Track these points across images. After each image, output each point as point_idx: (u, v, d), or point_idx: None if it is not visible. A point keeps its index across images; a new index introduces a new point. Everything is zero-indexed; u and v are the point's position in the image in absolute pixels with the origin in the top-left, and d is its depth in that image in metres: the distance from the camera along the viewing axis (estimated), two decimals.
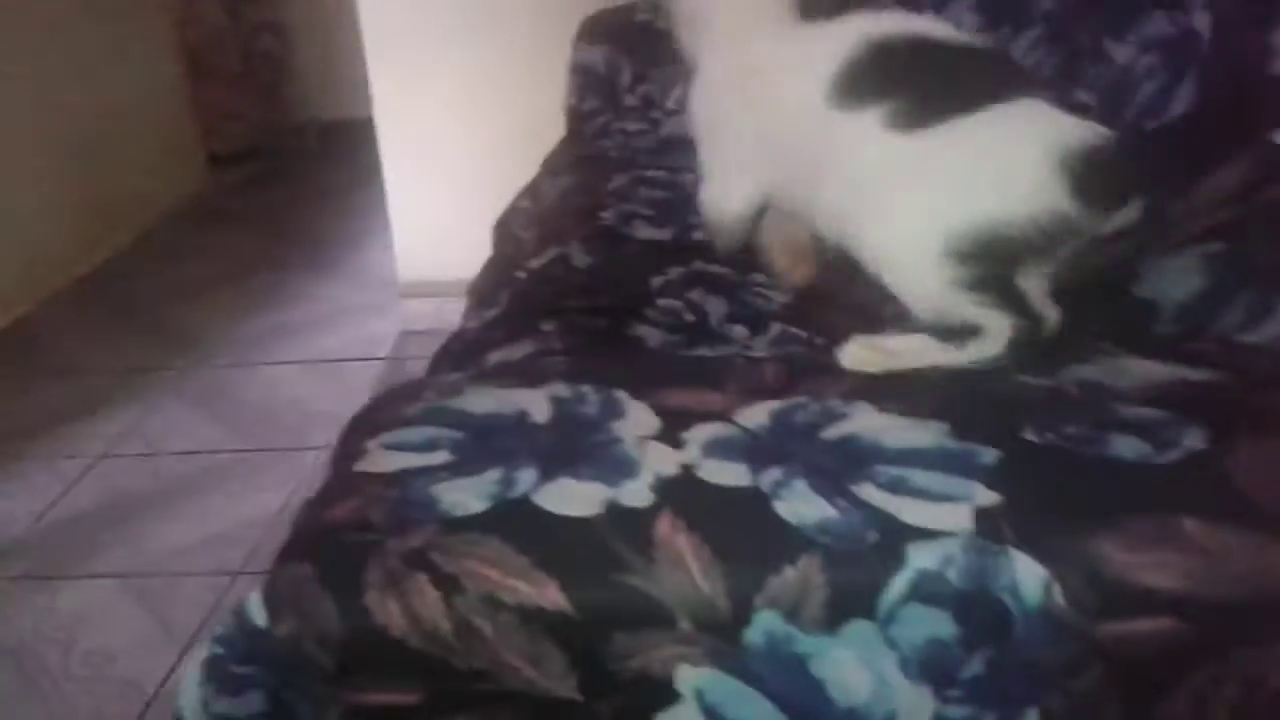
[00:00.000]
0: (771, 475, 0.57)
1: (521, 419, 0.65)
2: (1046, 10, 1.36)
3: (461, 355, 1.21)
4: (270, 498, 1.94)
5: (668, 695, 0.53)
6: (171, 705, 1.39)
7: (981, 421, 0.61)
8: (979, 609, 0.51)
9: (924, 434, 0.59)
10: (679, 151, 1.81)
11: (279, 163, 4.00)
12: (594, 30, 2.20)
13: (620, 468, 0.59)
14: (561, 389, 0.68)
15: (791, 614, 0.52)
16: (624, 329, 1.18)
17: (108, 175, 3.10)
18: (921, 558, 0.52)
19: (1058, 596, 0.51)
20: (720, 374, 0.70)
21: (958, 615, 0.51)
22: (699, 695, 0.53)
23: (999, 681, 0.51)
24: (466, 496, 0.58)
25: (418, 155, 2.61)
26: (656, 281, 1.29)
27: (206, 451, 2.12)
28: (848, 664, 0.52)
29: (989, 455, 0.57)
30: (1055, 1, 1.34)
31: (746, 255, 1.35)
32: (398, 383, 0.85)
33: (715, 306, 1.23)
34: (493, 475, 0.59)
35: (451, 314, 2.55)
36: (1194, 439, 0.57)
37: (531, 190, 1.90)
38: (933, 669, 0.51)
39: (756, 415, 0.63)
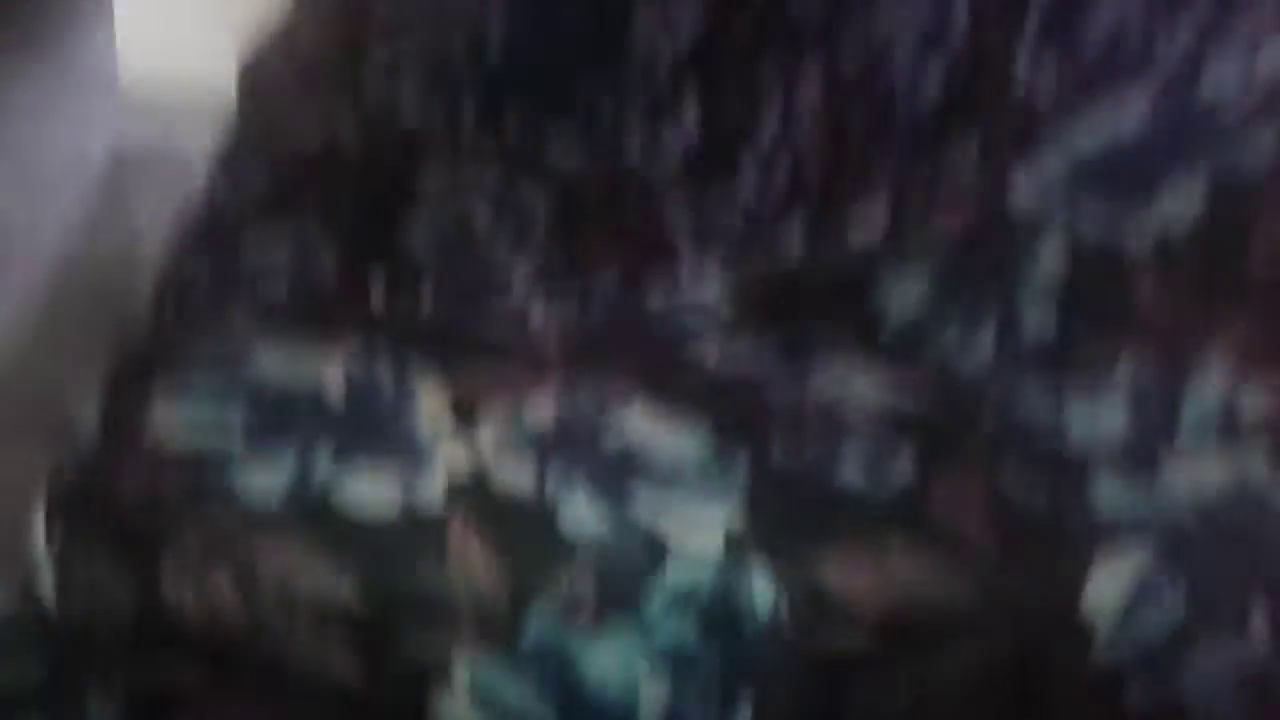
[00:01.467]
0: (555, 482, 0.63)
1: (315, 393, 0.67)
2: None
3: (212, 233, 1.18)
4: None
5: (443, 680, 0.59)
6: None
7: (738, 428, 0.69)
8: (720, 620, 0.60)
9: (688, 444, 0.67)
10: (444, 14, 1.76)
11: None
12: None
13: (415, 458, 0.63)
14: (355, 359, 0.70)
15: (565, 615, 0.60)
16: (390, 225, 1.18)
17: None
18: (679, 572, 0.61)
19: (782, 611, 0.61)
20: (510, 349, 0.74)
21: (703, 625, 0.60)
22: (472, 681, 0.59)
23: (726, 680, 0.61)
24: (265, 483, 0.60)
25: None
26: (424, 174, 1.29)
27: None
28: (607, 660, 0.60)
29: (741, 470, 0.66)
30: None
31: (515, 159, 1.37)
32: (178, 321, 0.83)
33: (481, 210, 1.25)
34: (289, 458, 0.62)
35: (180, 133, 2.39)
36: (904, 467, 0.68)
37: (287, 31, 1.79)
38: (675, 666, 0.61)
39: (541, 411, 0.68)
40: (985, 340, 0.81)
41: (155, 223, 2.17)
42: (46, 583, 0.58)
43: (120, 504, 0.60)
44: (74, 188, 2.24)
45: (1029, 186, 0.80)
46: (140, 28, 2.43)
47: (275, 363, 0.70)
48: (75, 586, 0.57)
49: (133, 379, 0.70)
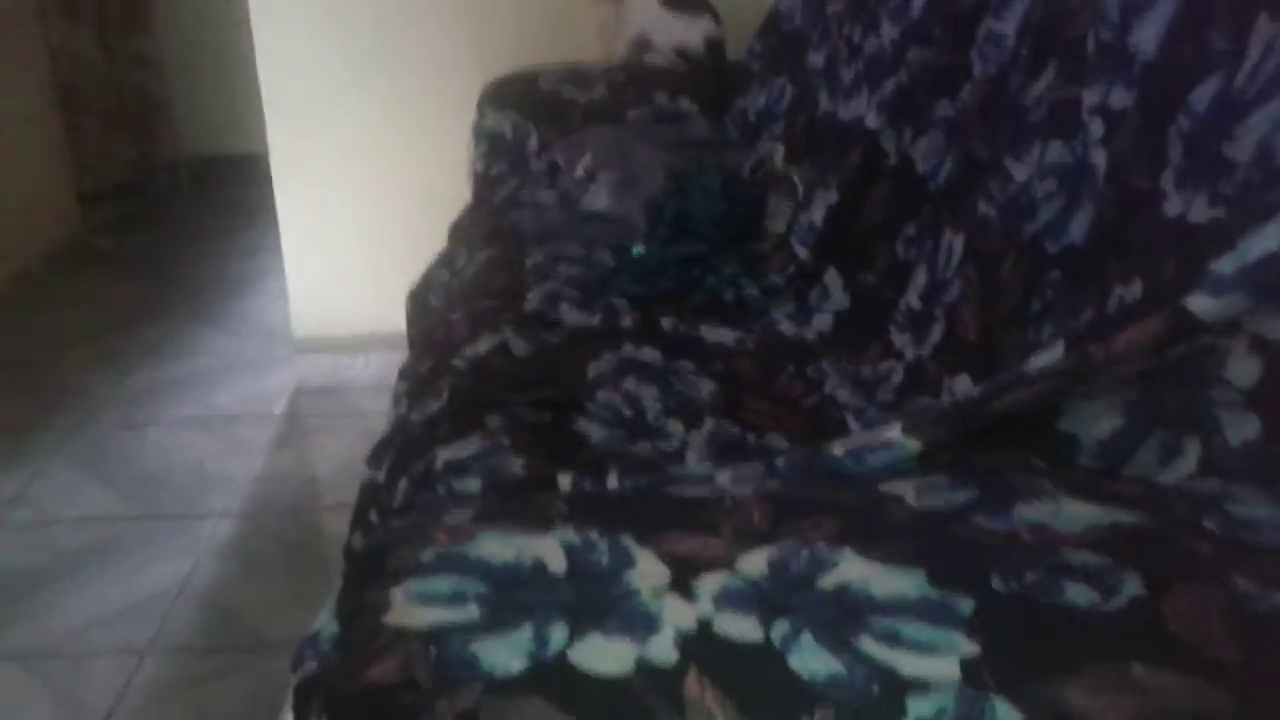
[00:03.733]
0: (780, 629, 0.64)
1: (540, 570, 0.70)
2: (946, 117, 1.48)
3: (406, 450, 1.26)
4: (170, 569, 1.93)
5: None
6: None
7: (954, 568, 0.69)
8: None
9: (907, 582, 0.67)
10: (591, 225, 1.88)
11: (151, 201, 3.90)
12: (500, 95, 2.26)
13: (643, 622, 0.65)
14: (570, 534, 0.73)
15: None
16: (567, 424, 1.24)
17: None
18: (919, 708, 0.60)
19: None
20: (711, 516, 0.76)
21: None
22: None
23: None
24: (505, 655, 0.63)
25: (313, 204, 2.61)
26: (592, 371, 1.35)
27: (99, 519, 2.08)
28: None
29: (966, 606, 0.65)
30: (955, 110, 1.46)
31: (671, 344, 1.44)
32: (399, 523, 0.89)
33: (648, 396, 1.30)
34: (526, 632, 0.64)
35: (347, 371, 2.58)
36: (1133, 585, 0.66)
37: (446, 262, 1.94)
38: None
39: (756, 564, 0.70)
40: (1189, 453, 0.80)
41: (329, 448, 2.32)
42: None
43: (376, 686, 0.63)
44: (256, 426, 2.41)
45: (1206, 302, 0.80)
46: (309, 282, 2.65)
47: (496, 544, 0.74)
48: None
49: (366, 577, 0.75)
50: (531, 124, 2.22)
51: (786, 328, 1.55)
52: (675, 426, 1.24)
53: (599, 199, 1.92)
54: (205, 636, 1.75)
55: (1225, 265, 0.79)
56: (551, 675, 0.62)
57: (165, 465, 2.26)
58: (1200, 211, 0.98)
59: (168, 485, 2.19)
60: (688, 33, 2.28)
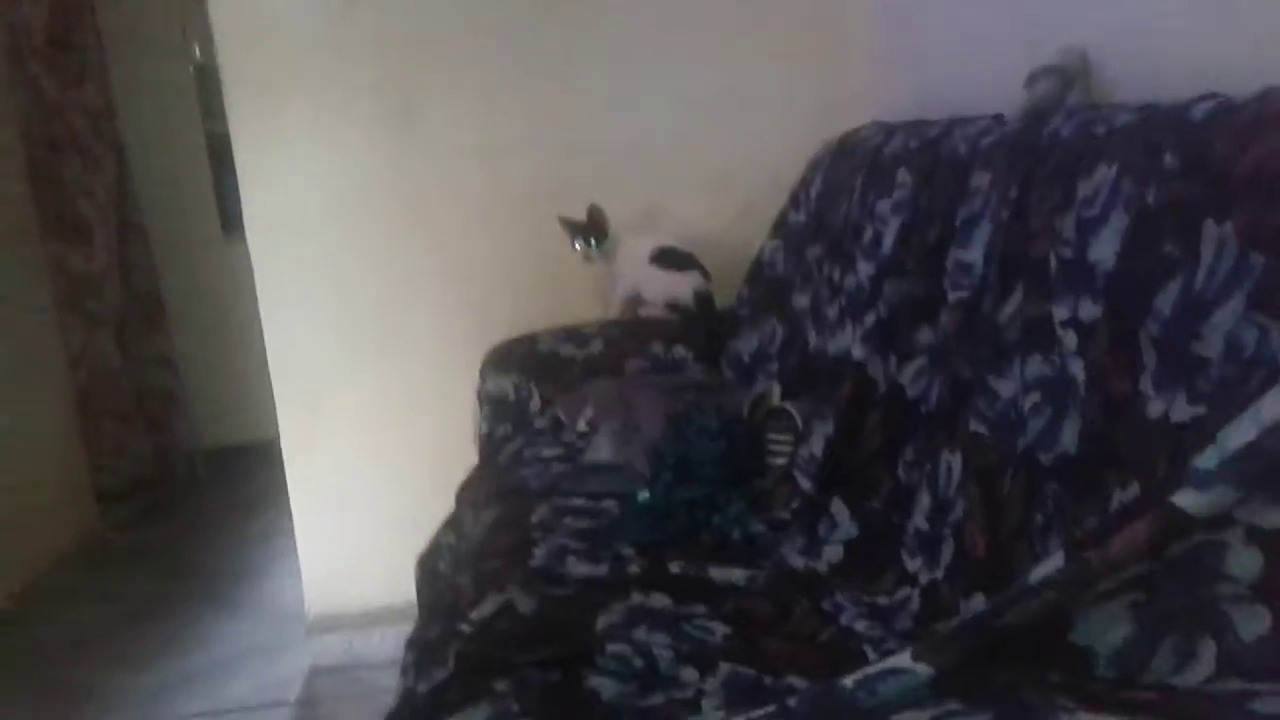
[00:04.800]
0: None
1: None
2: (928, 343, 1.52)
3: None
4: None
5: None
6: None
7: None
8: None
9: None
10: (596, 477, 1.89)
11: (168, 493, 3.95)
12: (500, 360, 2.33)
13: None
14: None
15: None
16: (578, 682, 1.21)
17: None
18: None
19: None
20: None
21: None
22: None
23: None
24: None
25: (323, 482, 2.63)
26: (601, 623, 1.33)
27: None
28: None
29: None
30: (936, 335, 1.50)
31: (681, 588, 1.41)
32: None
33: (660, 644, 1.27)
34: None
35: (363, 648, 2.53)
36: None
37: (453, 525, 1.94)
38: None
39: None
40: (1204, 655, 0.77)
41: None
42: None
43: None
44: (270, 713, 2.34)
45: (1193, 498, 0.80)
46: (322, 560, 2.64)
47: None
48: None
49: None
50: (533, 383, 2.27)
51: (797, 561, 1.53)
52: (689, 674, 1.21)
53: (602, 450, 1.94)
54: None
55: (1207, 460, 0.79)
56: None
57: None
58: (1182, 410, 0.99)
59: None
60: (678, 287, 2.37)
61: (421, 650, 1.40)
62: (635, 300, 2.46)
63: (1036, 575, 0.84)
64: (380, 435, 2.61)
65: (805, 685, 1.13)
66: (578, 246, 2.39)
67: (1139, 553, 0.79)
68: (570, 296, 2.56)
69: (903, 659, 0.84)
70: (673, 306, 2.39)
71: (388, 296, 2.56)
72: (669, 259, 2.38)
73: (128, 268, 3.91)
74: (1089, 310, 1.15)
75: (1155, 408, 1.02)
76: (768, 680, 1.19)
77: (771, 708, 0.91)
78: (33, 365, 3.36)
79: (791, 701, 0.90)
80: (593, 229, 2.38)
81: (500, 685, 1.19)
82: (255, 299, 2.52)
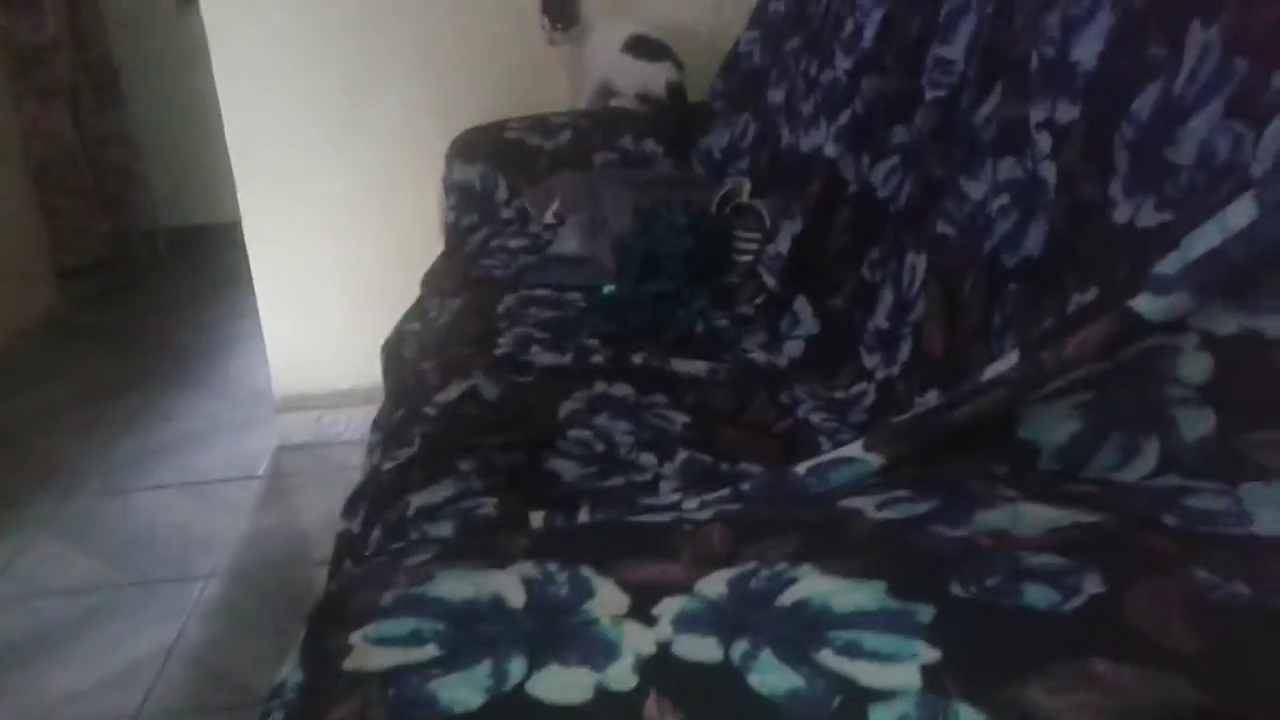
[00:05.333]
0: (740, 647, 0.64)
1: (499, 605, 0.70)
2: (902, 142, 1.50)
3: (379, 499, 1.25)
4: (159, 632, 1.92)
5: None
6: None
7: (914, 577, 0.69)
8: None
9: (866, 594, 0.67)
10: (562, 269, 1.89)
11: (130, 273, 3.92)
12: (467, 147, 2.28)
13: (602, 650, 0.65)
14: (529, 568, 0.73)
15: None
16: (540, 463, 1.24)
17: None
18: (881, 717, 0.60)
19: None
20: (671, 542, 0.76)
21: None
22: None
23: None
24: (463, 691, 0.62)
25: (288, 266, 2.61)
26: (564, 410, 1.35)
27: (87, 588, 2.07)
28: None
29: (926, 613, 0.65)
30: (910, 135, 1.47)
31: (643, 378, 1.44)
32: (361, 568, 0.88)
33: (621, 431, 1.30)
34: (484, 668, 0.64)
35: (329, 427, 2.57)
36: (1093, 583, 0.66)
37: (418, 312, 1.94)
38: None
39: (715, 585, 0.70)
40: (1148, 451, 0.80)
41: (312, 505, 2.31)
42: None
43: None
44: (239, 487, 2.40)
45: (1151, 302, 0.81)
46: (287, 341, 2.65)
47: (456, 582, 0.73)
48: None
49: (327, 624, 0.74)
50: (499, 173, 2.24)
51: (758, 356, 1.55)
52: (648, 459, 1.24)
53: (568, 242, 1.93)
54: (195, 699, 1.74)
55: (1168, 265, 0.79)
56: (510, 708, 0.62)
57: (151, 531, 2.25)
58: (1148, 216, 0.99)
59: (154, 551, 2.18)
60: (650, 78, 2.30)
61: (387, 431, 1.42)
62: (606, 90, 2.39)
63: (990, 373, 0.86)
64: (344, 220, 2.58)
65: (760, 472, 1.16)
66: (543, 27, 2.30)
67: (1092, 354, 0.80)
68: (540, 84, 2.49)
69: (855, 449, 0.87)
70: (643, 98, 2.33)
71: (353, 77, 2.48)
72: (642, 48, 2.30)
73: (80, 38, 3.74)
74: (1066, 112, 1.13)
75: (1122, 213, 1.02)
76: (724, 467, 1.23)
77: (725, 491, 0.94)
78: None
79: (745, 486, 0.93)
80: (562, 11, 2.28)
81: (464, 465, 1.22)
82: (212, 74, 2.43)
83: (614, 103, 2.40)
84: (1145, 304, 0.79)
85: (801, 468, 0.90)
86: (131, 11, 4.03)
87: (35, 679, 1.80)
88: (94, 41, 3.81)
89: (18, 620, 1.96)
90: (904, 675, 0.61)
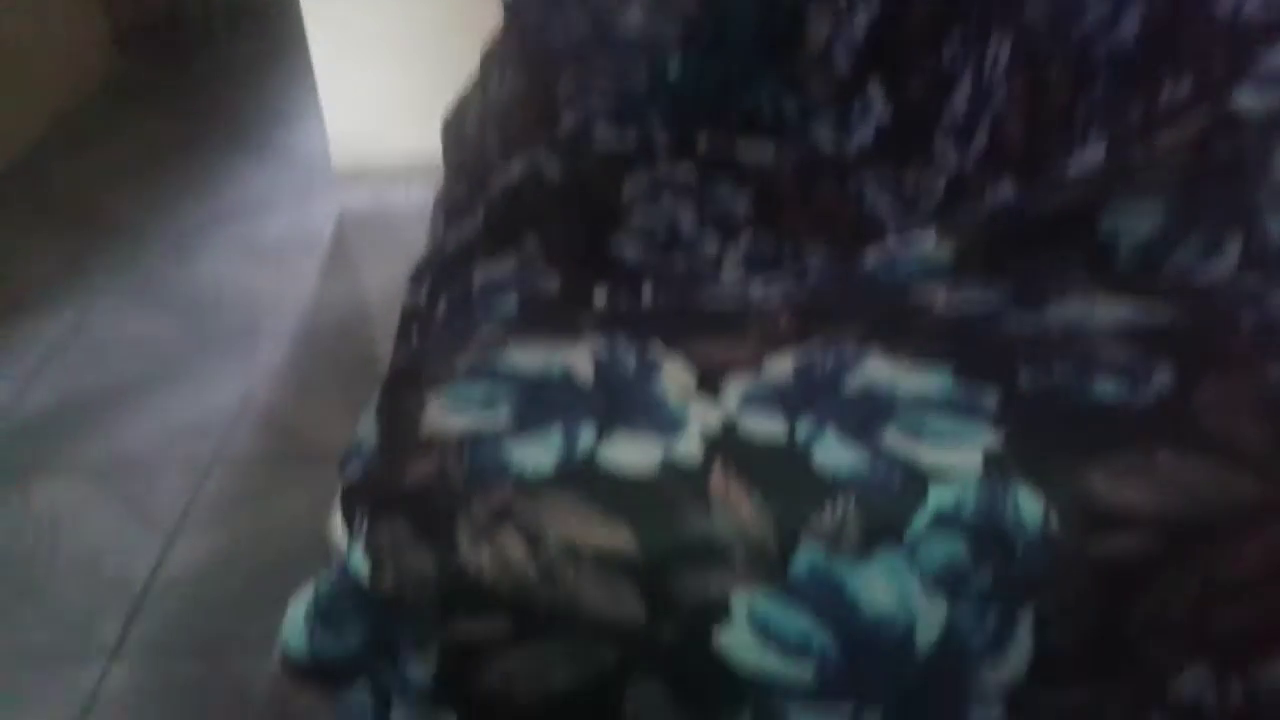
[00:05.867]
0: (805, 426, 0.65)
1: (568, 377, 0.71)
2: None
3: (445, 271, 1.26)
4: (230, 386, 1.99)
5: (723, 616, 0.62)
6: (160, 601, 1.46)
7: (981, 364, 0.69)
8: (988, 535, 0.61)
9: (932, 379, 0.68)
10: (624, 45, 1.83)
11: (187, 35, 3.84)
12: None
13: (669, 423, 0.67)
14: (599, 343, 0.74)
15: (830, 546, 0.61)
16: (603, 241, 1.24)
17: (10, 59, 2.95)
18: (940, 496, 0.61)
19: (1053, 523, 0.61)
20: (740, 324, 0.77)
21: (970, 541, 0.61)
22: (750, 614, 0.62)
23: (1001, 591, 0.61)
24: (535, 455, 0.65)
25: (345, 37, 2.55)
26: (627, 191, 1.34)
27: (157, 344, 2.13)
28: (877, 584, 0.61)
29: (990, 399, 0.66)
30: None
31: (708, 162, 1.41)
32: (433, 336, 0.90)
33: (684, 212, 1.29)
34: (555, 434, 0.66)
35: (390, 200, 2.57)
36: (1163, 378, 0.67)
37: (480, 87, 1.90)
38: (948, 585, 0.61)
39: (782, 366, 0.71)
40: (1230, 250, 0.79)
41: (376, 274, 2.35)
42: (359, 563, 0.64)
43: (413, 488, 0.66)
44: (303, 254, 2.43)
45: (1253, 98, 0.77)
46: (346, 112, 2.62)
47: (527, 356, 0.75)
48: (384, 562, 0.63)
49: (404, 387, 0.77)
50: None
51: (826, 144, 1.51)
52: (711, 240, 1.24)
53: (633, 16, 1.86)
54: (266, 450, 1.81)
55: (1277, 57, 0.75)
56: (580, 473, 0.64)
57: (217, 293, 2.30)
58: (1254, 7, 0.93)
59: (221, 311, 2.23)
60: None
61: (450, 207, 1.43)
62: None
63: (1074, 169, 0.84)
64: None
65: (825, 257, 1.16)
66: None
67: (1185, 148, 0.78)
68: None
69: (925, 240, 0.86)
70: None
71: None
72: None
73: None
74: None
75: (1227, 2, 0.96)
76: (787, 249, 1.22)
77: (791, 275, 0.94)
78: None
79: (811, 271, 0.93)
80: None
81: (528, 241, 1.22)
82: None
83: None
84: (1246, 98, 0.75)
85: (869, 256, 0.89)
86: None
87: (114, 424, 1.88)
88: None
89: (91, 375, 2.03)
90: (966, 458, 0.63)
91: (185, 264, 2.41)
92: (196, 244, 2.49)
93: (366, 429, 0.77)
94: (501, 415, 0.69)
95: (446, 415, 0.70)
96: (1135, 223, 0.82)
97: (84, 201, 2.71)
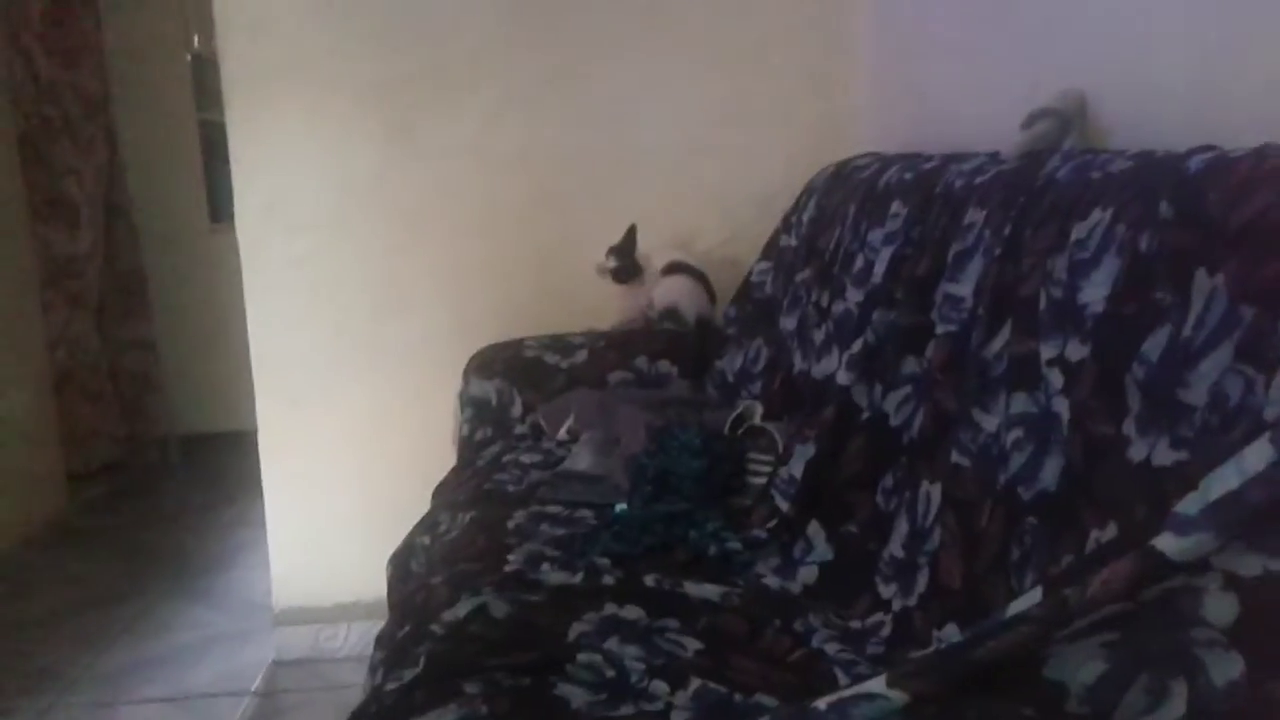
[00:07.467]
0: None
1: None
2: (913, 373, 1.53)
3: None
4: None
5: None
6: None
7: None
8: None
9: None
10: (574, 486, 1.89)
11: (140, 477, 3.92)
12: (485, 364, 2.33)
13: None
14: None
15: None
16: (548, 688, 1.21)
17: None
18: None
19: None
20: None
21: None
22: None
23: None
24: None
25: (299, 476, 2.62)
26: (573, 631, 1.33)
27: None
28: None
29: None
30: (922, 367, 1.51)
31: (655, 601, 1.42)
32: None
33: (632, 656, 1.27)
34: None
35: (328, 642, 2.51)
36: None
37: (429, 525, 1.93)
38: None
39: None
40: (1177, 694, 0.78)
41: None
42: None
43: None
44: (230, 706, 2.32)
45: (1174, 542, 0.81)
46: (291, 552, 2.63)
47: None
48: None
49: None
50: (515, 389, 2.27)
51: (771, 581, 1.53)
52: (660, 687, 1.21)
53: (581, 459, 1.94)
54: None
55: (1189, 506, 0.80)
56: None
57: None
58: (1164, 455, 1.00)
59: None
60: (690, 300, 2.39)
61: (391, 649, 1.39)
62: (647, 309, 2.47)
63: (1014, 609, 0.85)
64: (359, 433, 2.60)
65: (775, 704, 1.13)
66: (602, 272, 2.41)
67: (1117, 593, 0.79)
68: (558, 304, 2.57)
69: (877, 684, 0.85)
70: (670, 314, 2.39)
71: (375, 295, 2.56)
72: (678, 269, 2.41)
73: (112, 251, 3.89)
74: (1076, 350, 1.16)
75: (1137, 451, 1.03)
76: (738, 698, 1.19)
77: None
78: (12, 344, 3.32)
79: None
80: (628, 272, 2.40)
81: (470, 688, 1.19)
82: (240, 289, 2.51)
83: (650, 314, 2.46)
84: (1168, 543, 0.79)
85: (822, 703, 0.87)
86: (167, 228, 4.22)
87: None
88: (126, 254, 3.97)
89: None
90: None
91: (107, 713, 2.30)
92: (121, 693, 2.39)
93: None
94: None
95: None
96: (1079, 669, 0.82)
97: (15, 646, 2.63)
